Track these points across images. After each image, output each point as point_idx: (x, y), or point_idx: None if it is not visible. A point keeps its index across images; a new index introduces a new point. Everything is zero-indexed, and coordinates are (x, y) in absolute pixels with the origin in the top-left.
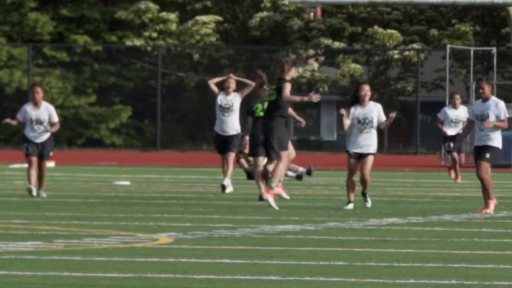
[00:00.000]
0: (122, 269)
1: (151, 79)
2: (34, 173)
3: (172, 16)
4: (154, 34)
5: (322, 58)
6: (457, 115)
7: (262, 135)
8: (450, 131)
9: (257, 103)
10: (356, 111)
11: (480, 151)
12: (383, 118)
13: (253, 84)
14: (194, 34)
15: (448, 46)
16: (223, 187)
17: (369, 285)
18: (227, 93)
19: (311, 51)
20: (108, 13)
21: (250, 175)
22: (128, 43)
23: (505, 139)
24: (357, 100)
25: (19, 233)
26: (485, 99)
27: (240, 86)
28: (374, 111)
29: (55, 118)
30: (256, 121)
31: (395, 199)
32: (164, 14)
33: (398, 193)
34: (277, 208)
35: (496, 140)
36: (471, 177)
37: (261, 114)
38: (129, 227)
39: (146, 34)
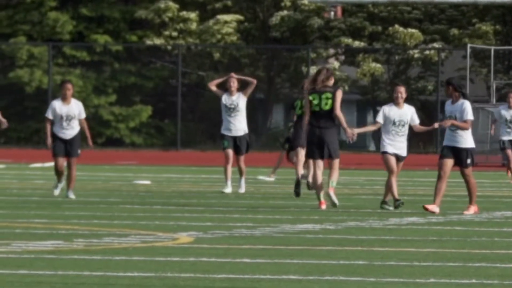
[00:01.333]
0: (142, 268)
1: (171, 78)
2: (62, 176)
3: (192, 15)
4: (174, 33)
5: (342, 57)
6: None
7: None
8: (504, 132)
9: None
10: (391, 112)
11: (458, 157)
12: (416, 120)
13: (255, 81)
14: (214, 33)
15: (469, 45)
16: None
17: (389, 285)
18: (230, 93)
19: (331, 50)
20: (128, 12)
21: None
22: (148, 42)
23: None
24: (391, 101)
25: (39, 233)
26: (454, 100)
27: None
28: (409, 113)
29: (84, 114)
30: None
31: (415, 198)
32: (184, 13)
33: (419, 192)
34: (337, 202)
35: (469, 140)
36: (492, 176)
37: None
38: (149, 227)
39: (166, 33)
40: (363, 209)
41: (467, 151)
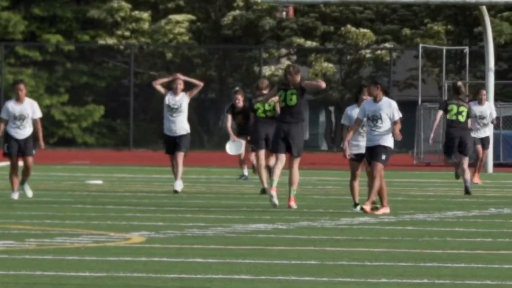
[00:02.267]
0: (94, 268)
1: (123, 78)
2: (16, 180)
3: (145, 15)
4: (127, 33)
5: (294, 57)
6: (481, 111)
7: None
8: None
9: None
10: (355, 112)
11: (373, 152)
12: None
13: (201, 84)
14: (167, 33)
15: (421, 45)
16: (175, 191)
17: (341, 284)
18: (175, 93)
19: (283, 50)
20: (80, 12)
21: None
22: (101, 42)
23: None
24: (356, 101)
25: None
26: (377, 99)
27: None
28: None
29: (38, 114)
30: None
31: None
32: (136, 13)
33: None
34: (277, 203)
35: (389, 140)
36: (444, 176)
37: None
38: (101, 226)
39: (119, 33)
40: (315, 209)
41: (385, 147)
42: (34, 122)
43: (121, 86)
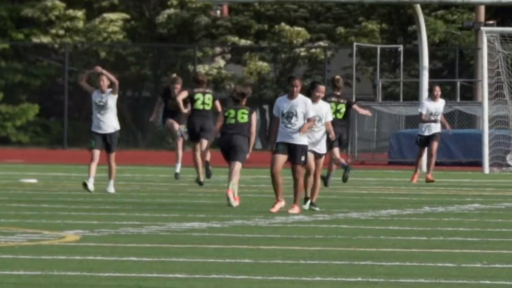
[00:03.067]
0: (29, 267)
1: (58, 77)
2: None
3: (79, 13)
4: (61, 32)
5: (228, 56)
6: (436, 108)
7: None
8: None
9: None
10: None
11: (292, 153)
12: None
13: (116, 82)
14: (101, 32)
15: (355, 43)
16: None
17: (275, 283)
18: (101, 91)
19: (218, 49)
20: (14, 10)
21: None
22: (35, 40)
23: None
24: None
25: None
26: (292, 96)
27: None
28: (324, 109)
29: None
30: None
31: (301, 196)
32: (71, 11)
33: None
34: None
35: (305, 137)
36: (378, 174)
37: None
38: (36, 225)
39: (53, 31)
40: (250, 208)
41: (302, 148)
42: None
43: (55, 85)
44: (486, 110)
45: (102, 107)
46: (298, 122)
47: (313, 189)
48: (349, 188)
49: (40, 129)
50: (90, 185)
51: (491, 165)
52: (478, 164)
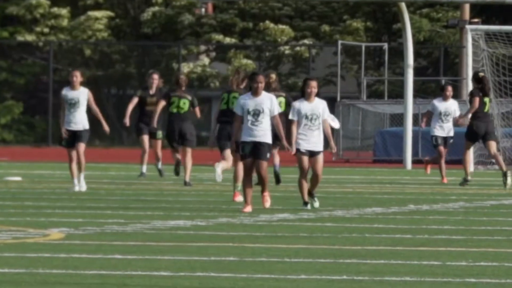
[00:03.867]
0: (13, 265)
1: (42, 74)
2: None
3: (64, 11)
4: (46, 30)
5: (213, 54)
6: (446, 108)
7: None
8: (437, 126)
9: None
10: (303, 106)
11: (258, 150)
12: (327, 115)
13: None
14: (86, 30)
15: (340, 42)
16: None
17: (260, 281)
18: (72, 87)
19: (202, 47)
20: None
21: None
22: (20, 38)
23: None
24: (303, 95)
25: None
26: (257, 93)
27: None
28: (321, 107)
29: None
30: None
31: (286, 194)
32: (55, 9)
33: (290, 189)
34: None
35: (269, 135)
36: (363, 172)
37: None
38: (20, 223)
39: (38, 29)
40: (235, 206)
41: (268, 145)
42: None
43: (40, 83)
44: None
45: (74, 105)
46: (265, 119)
47: (314, 183)
48: (334, 186)
49: (24, 127)
50: (77, 187)
51: (475, 163)
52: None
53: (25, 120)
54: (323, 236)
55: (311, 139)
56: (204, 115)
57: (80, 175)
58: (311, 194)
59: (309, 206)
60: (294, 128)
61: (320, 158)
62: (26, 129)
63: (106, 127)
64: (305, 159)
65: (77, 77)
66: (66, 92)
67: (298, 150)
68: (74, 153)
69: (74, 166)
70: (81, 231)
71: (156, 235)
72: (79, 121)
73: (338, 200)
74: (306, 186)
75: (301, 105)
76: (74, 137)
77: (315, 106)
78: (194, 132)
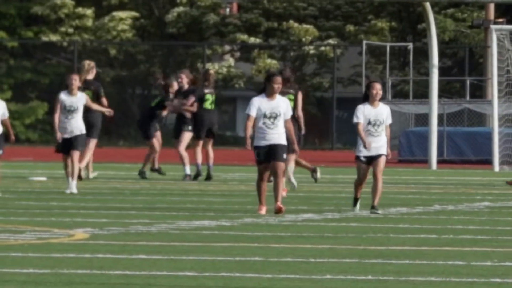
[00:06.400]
0: (38, 265)
1: (67, 75)
2: None
3: (88, 11)
4: (70, 30)
5: (238, 54)
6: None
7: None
8: None
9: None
10: (367, 111)
11: (275, 152)
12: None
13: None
14: (110, 30)
15: (364, 41)
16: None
17: (285, 281)
18: (71, 92)
19: (227, 47)
20: (23, 8)
21: None
22: (44, 38)
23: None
24: (367, 99)
25: None
26: (273, 96)
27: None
28: (385, 113)
29: (7, 114)
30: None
31: (311, 194)
32: (80, 9)
33: (315, 189)
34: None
35: (284, 137)
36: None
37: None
38: (45, 223)
39: (62, 29)
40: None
41: (284, 146)
42: (4, 122)
43: (64, 83)
44: (495, 108)
45: (72, 112)
46: (280, 122)
47: (375, 190)
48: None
49: (49, 127)
50: (74, 189)
51: (501, 163)
52: (488, 162)
53: (50, 120)
54: (348, 236)
55: (372, 145)
56: (229, 115)
57: (73, 181)
58: (373, 207)
59: (357, 206)
60: (361, 131)
61: (382, 160)
62: (50, 129)
63: (108, 112)
64: (364, 167)
65: (76, 80)
66: (65, 97)
67: (357, 157)
68: (69, 160)
69: (70, 170)
70: (106, 231)
71: (181, 235)
72: (75, 127)
73: (363, 200)
74: (360, 187)
75: (365, 110)
76: (70, 143)
77: (379, 112)
78: None
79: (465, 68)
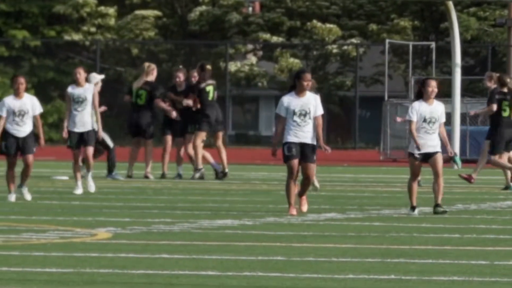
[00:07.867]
0: (61, 264)
1: (89, 74)
2: (13, 177)
3: (111, 10)
4: (93, 29)
5: (260, 53)
6: None
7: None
8: None
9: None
10: (423, 109)
11: (305, 153)
12: (443, 119)
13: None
14: (133, 29)
15: (387, 40)
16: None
17: (307, 280)
18: (78, 84)
19: (250, 46)
20: (46, 7)
21: None
22: (67, 37)
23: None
24: (421, 96)
25: None
26: (303, 93)
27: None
28: (440, 111)
29: (39, 109)
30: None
31: (333, 194)
32: (102, 8)
33: (337, 188)
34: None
35: (314, 136)
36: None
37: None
38: (68, 222)
39: (85, 28)
40: (282, 205)
41: (314, 147)
42: (34, 118)
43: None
44: None
45: (81, 103)
46: (310, 120)
47: (437, 189)
48: (381, 186)
49: None
50: (79, 190)
51: None
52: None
53: None
54: (370, 235)
55: (428, 143)
56: (251, 114)
57: (88, 174)
58: (438, 205)
59: (416, 211)
60: (414, 130)
61: (439, 157)
62: None
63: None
64: (418, 164)
65: (81, 74)
66: (72, 90)
67: (411, 154)
68: (80, 155)
69: (79, 168)
70: (128, 231)
71: (203, 234)
72: (87, 120)
73: (386, 199)
74: (416, 189)
75: (421, 107)
76: (81, 139)
77: (435, 109)
78: None
79: (488, 67)
